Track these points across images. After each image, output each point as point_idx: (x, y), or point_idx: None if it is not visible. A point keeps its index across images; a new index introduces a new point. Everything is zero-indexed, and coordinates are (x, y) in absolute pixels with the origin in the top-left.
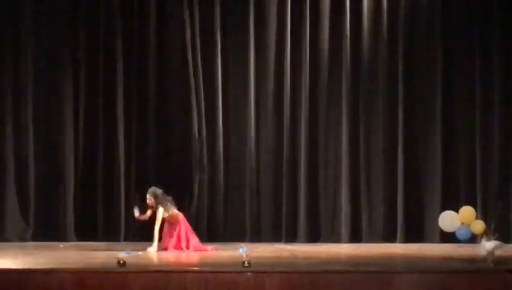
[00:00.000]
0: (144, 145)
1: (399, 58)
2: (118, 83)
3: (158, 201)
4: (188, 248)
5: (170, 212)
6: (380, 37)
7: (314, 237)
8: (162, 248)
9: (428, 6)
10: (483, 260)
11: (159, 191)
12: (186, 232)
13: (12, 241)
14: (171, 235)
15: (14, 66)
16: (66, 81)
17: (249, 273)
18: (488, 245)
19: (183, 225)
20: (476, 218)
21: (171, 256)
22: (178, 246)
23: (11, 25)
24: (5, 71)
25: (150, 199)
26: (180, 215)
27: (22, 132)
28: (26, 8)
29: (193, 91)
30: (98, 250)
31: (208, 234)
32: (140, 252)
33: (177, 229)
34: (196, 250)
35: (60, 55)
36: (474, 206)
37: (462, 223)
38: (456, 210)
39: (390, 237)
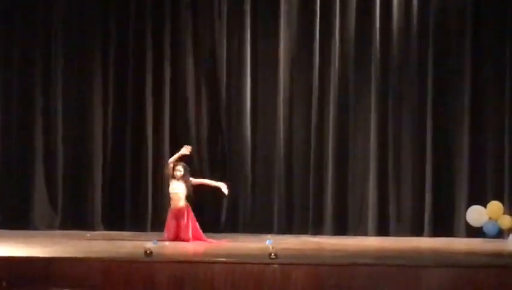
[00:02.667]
0: (173, 137)
1: (429, 48)
2: (147, 74)
3: (186, 179)
4: (195, 238)
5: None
6: (410, 27)
7: (341, 229)
8: (168, 238)
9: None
10: (511, 255)
11: None
12: (193, 223)
13: (41, 229)
14: (178, 226)
15: (45, 59)
16: (95, 73)
17: (275, 265)
18: None
19: (191, 215)
20: (504, 213)
21: (197, 247)
22: (185, 237)
23: (43, 18)
24: (35, 63)
25: (181, 171)
26: (189, 207)
27: (51, 122)
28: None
29: (223, 84)
30: (124, 240)
31: (235, 225)
32: (167, 243)
33: (185, 220)
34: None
35: (90, 47)
36: (502, 201)
37: (490, 218)
38: (484, 205)
39: (417, 230)
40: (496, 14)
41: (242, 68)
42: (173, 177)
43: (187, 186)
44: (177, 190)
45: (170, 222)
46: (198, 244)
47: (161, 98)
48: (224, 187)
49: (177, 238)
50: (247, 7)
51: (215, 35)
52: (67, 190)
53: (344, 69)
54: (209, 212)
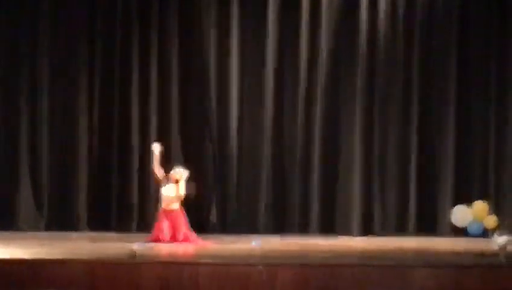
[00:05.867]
0: (159, 137)
1: (415, 48)
2: (133, 72)
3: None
4: (185, 240)
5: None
6: (396, 27)
7: (327, 229)
8: (153, 239)
9: None
10: (495, 255)
11: None
12: (186, 225)
13: (26, 230)
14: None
15: (31, 56)
16: (81, 72)
17: (261, 266)
18: (500, 240)
19: (183, 217)
20: (489, 213)
21: (183, 248)
22: (174, 238)
23: (29, 16)
24: (21, 64)
25: (178, 174)
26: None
27: (37, 122)
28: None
29: (211, 81)
30: (110, 241)
31: (221, 226)
32: (152, 244)
33: (176, 222)
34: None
35: (76, 45)
36: (487, 200)
37: (475, 218)
38: (469, 205)
39: (402, 230)
40: (482, 15)
41: (229, 66)
42: (166, 179)
43: (184, 188)
44: (171, 192)
45: (162, 224)
46: (183, 246)
47: (147, 98)
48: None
49: (170, 239)
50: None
51: (203, 27)
52: (53, 191)
53: (330, 70)
54: (196, 213)
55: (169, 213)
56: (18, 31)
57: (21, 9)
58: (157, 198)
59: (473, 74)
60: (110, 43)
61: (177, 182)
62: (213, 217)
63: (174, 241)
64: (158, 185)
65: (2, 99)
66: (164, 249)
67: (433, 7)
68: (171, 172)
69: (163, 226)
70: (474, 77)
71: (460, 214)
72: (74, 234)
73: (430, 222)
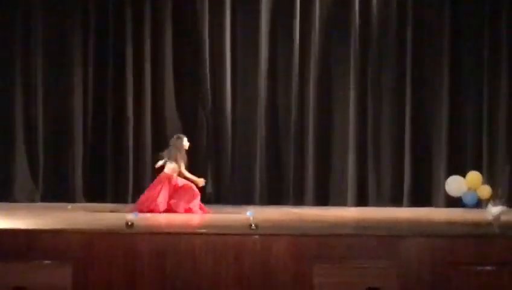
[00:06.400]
0: (154, 110)
1: (408, 24)
2: (127, 46)
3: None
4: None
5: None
6: (389, 4)
7: (321, 200)
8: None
9: None
10: (490, 225)
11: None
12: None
13: (22, 202)
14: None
15: (24, 30)
16: (75, 44)
17: (256, 236)
18: (494, 210)
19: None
20: (483, 183)
21: (179, 218)
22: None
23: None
24: (14, 35)
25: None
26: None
27: (32, 94)
28: None
29: (206, 60)
30: (106, 211)
31: (216, 196)
32: (148, 214)
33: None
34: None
35: (70, 19)
36: (481, 171)
37: (469, 188)
38: (463, 175)
39: (397, 201)
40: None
41: (222, 43)
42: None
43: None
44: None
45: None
46: (179, 216)
47: (142, 72)
48: (201, 182)
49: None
50: None
51: (197, 7)
52: (48, 163)
53: (324, 43)
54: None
55: (170, 180)
56: (10, 11)
57: None
58: (152, 169)
59: (466, 44)
60: (104, 15)
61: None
62: (208, 188)
63: (169, 211)
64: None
65: None
66: (160, 219)
67: None
68: (185, 143)
69: (160, 194)
70: (467, 47)
71: (455, 184)
72: (70, 205)
73: (425, 193)
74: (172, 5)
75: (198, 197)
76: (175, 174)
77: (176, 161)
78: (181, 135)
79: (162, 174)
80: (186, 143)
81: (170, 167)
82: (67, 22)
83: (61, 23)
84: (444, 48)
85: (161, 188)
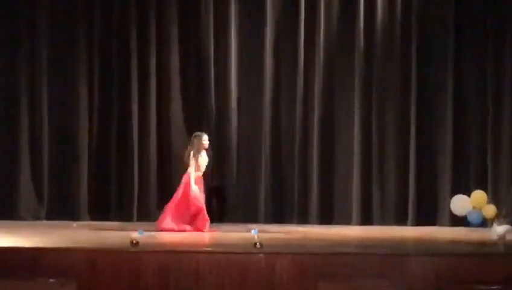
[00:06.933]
0: (158, 129)
1: (412, 40)
2: (132, 67)
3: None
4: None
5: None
6: (394, 17)
7: (326, 218)
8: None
9: None
10: (494, 244)
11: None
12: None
13: (27, 219)
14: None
15: (30, 46)
16: (80, 67)
17: (260, 255)
18: (499, 229)
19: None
20: (488, 202)
21: (184, 236)
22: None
23: (28, 5)
24: (20, 51)
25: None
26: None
27: (36, 112)
28: None
29: (210, 79)
30: (110, 229)
31: (220, 214)
32: (152, 233)
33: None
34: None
35: (75, 41)
36: (486, 190)
37: (474, 207)
38: (468, 194)
39: (401, 220)
40: (478, 10)
41: (228, 62)
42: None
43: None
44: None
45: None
46: (183, 234)
47: (146, 90)
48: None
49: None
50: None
51: (201, 26)
52: (53, 180)
53: (328, 62)
54: None
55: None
56: (16, 28)
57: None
58: (157, 187)
59: (470, 68)
60: (108, 33)
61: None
62: (213, 206)
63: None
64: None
65: (2, 92)
66: (164, 237)
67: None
68: (204, 142)
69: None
70: (471, 71)
71: (460, 203)
72: (75, 223)
73: (430, 212)
74: (178, 21)
75: (206, 225)
76: (193, 175)
77: (188, 159)
78: (199, 133)
79: (184, 175)
80: (205, 141)
81: (189, 168)
82: (71, 40)
83: (66, 39)
84: (448, 67)
85: (176, 202)
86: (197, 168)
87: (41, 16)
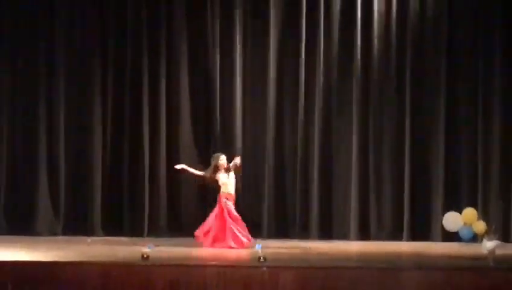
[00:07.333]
0: (168, 149)
1: (407, 67)
2: (143, 89)
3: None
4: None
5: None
6: (389, 43)
7: (326, 234)
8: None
9: (435, 18)
10: (485, 258)
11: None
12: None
13: (44, 235)
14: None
15: (48, 77)
16: (95, 89)
17: (264, 268)
18: (489, 245)
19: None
20: (478, 219)
21: (192, 250)
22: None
23: (46, 25)
24: (39, 82)
25: (223, 160)
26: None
27: (54, 135)
28: (61, 8)
29: (216, 101)
30: (122, 244)
31: None
32: (162, 248)
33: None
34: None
35: (90, 66)
36: (476, 207)
37: (465, 224)
38: (459, 211)
39: (397, 235)
40: (469, 32)
41: (233, 84)
42: (219, 169)
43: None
44: (225, 178)
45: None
46: (195, 249)
47: (157, 111)
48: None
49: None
50: (237, 29)
51: (209, 53)
52: (69, 199)
53: (328, 82)
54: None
55: (228, 197)
56: (35, 52)
57: (37, 33)
58: (167, 205)
59: (461, 92)
60: (121, 58)
61: (227, 169)
62: None
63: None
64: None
65: (22, 114)
66: (173, 251)
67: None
68: (220, 161)
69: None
70: (462, 96)
71: (452, 220)
72: (89, 239)
73: (424, 228)
74: (187, 46)
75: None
76: (224, 191)
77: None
78: (218, 154)
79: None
80: (221, 161)
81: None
82: (86, 69)
83: (81, 67)
84: (440, 90)
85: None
86: (218, 187)
87: (59, 42)
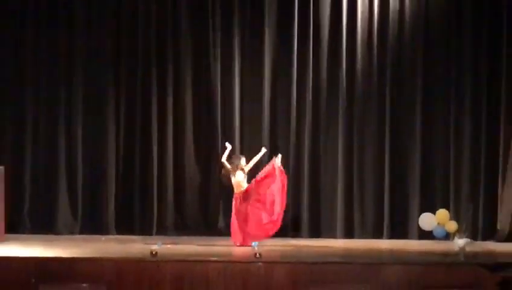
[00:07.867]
0: (175, 158)
1: (387, 86)
2: (152, 104)
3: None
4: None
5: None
6: (371, 68)
7: (314, 233)
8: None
9: (411, 42)
10: (456, 254)
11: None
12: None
13: (63, 234)
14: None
15: (67, 92)
16: (109, 103)
17: (260, 264)
18: (460, 242)
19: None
20: (450, 219)
21: (196, 248)
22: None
23: (66, 35)
24: (60, 96)
25: (243, 161)
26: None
27: (73, 143)
28: (80, 19)
29: (217, 116)
30: (134, 242)
31: (227, 230)
32: (169, 245)
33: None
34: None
35: (105, 84)
36: (448, 209)
37: (438, 223)
38: (433, 212)
39: (378, 234)
40: (441, 57)
41: (232, 102)
42: (235, 169)
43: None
44: (241, 178)
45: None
46: (195, 247)
47: (164, 124)
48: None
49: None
50: (236, 50)
51: (211, 75)
52: (86, 201)
53: (316, 102)
54: (206, 218)
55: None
56: (56, 70)
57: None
58: (173, 207)
59: (435, 108)
60: (132, 77)
61: (243, 169)
62: (220, 223)
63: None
64: (227, 176)
65: (44, 123)
66: (179, 248)
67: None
68: (238, 162)
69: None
70: (436, 108)
71: (426, 220)
72: (103, 237)
73: (402, 227)
74: (192, 71)
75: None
76: (240, 188)
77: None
78: (240, 155)
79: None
80: (242, 163)
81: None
82: (101, 87)
83: (96, 85)
84: (416, 106)
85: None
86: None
87: (77, 77)
